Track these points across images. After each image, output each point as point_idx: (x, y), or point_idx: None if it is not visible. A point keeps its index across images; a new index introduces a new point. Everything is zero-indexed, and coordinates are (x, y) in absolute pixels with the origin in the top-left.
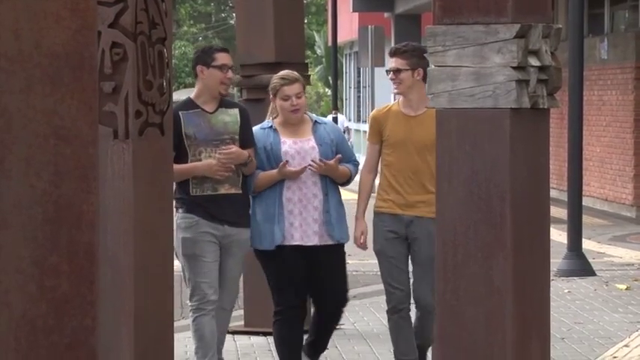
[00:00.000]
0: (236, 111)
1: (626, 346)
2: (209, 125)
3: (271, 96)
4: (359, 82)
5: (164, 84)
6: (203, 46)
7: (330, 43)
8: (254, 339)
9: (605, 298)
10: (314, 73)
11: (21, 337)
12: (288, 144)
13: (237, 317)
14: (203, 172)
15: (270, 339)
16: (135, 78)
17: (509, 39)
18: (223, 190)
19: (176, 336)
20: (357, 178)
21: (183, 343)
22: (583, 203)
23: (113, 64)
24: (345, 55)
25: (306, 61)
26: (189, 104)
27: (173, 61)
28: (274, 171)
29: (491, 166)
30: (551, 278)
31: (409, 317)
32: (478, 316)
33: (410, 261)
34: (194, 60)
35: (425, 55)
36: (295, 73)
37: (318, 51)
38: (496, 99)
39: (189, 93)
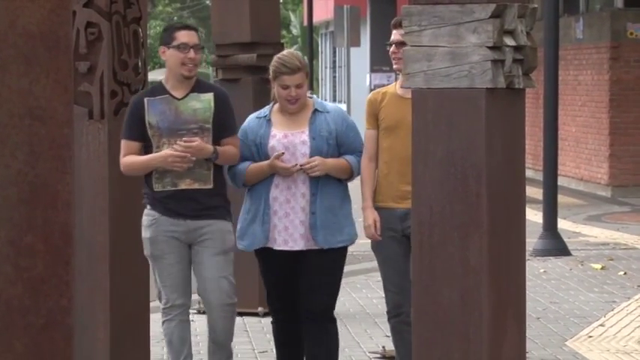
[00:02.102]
0: (210, 96)
1: (601, 325)
2: (175, 113)
3: (270, 77)
4: (334, 62)
5: (139, 64)
6: (166, 25)
7: (305, 23)
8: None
9: (581, 278)
10: None
11: None
12: (277, 138)
13: None
14: (159, 164)
15: (247, 319)
16: (110, 58)
17: (485, 19)
18: (184, 185)
19: (152, 316)
20: None
21: (159, 324)
22: (558, 183)
23: (88, 43)
24: (321, 34)
25: (281, 41)
26: (157, 89)
27: (148, 40)
28: (265, 163)
29: (467, 146)
30: (527, 258)
31: (410, 321)
32: (454, 296)
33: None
34: (159, 40)
35: None
36: (300, 59)
37: (294, 31)
38: (472, 79)
39: (164, 73)
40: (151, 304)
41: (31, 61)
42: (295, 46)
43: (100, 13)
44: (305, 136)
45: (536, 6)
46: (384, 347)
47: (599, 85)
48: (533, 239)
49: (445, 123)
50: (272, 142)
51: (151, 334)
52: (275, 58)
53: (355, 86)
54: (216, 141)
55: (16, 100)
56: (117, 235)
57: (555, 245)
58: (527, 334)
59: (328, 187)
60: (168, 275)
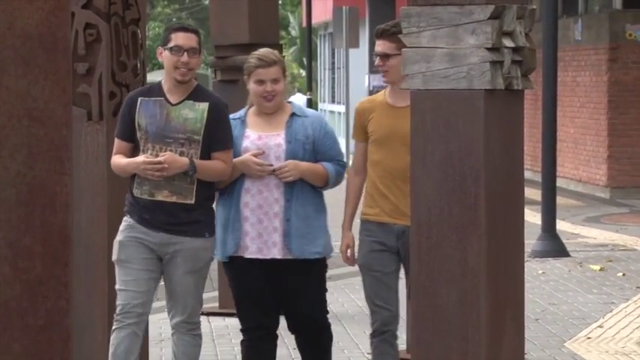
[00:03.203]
0: (205, 106)
1: (600, 326)
2: (166, 119)
3: (245, 77)
4: (333, 63)
5: (138, 65)
6: (167, 25)
7: (304, 24)
8: (228, 320)
9: (579, 279)
10: (288, 54)
11: None
12: (251, 139)
13: (212, 299)
14: (133, 170)
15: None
16: (109, 59)
17: (484, 20)
18: (161, 196)
19: (150, 317)
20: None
21: (158, 325)
22: (557, 184)
23: (87, 45)
24: (320, 36)
25: (280, 42)
26: (154, 90)
27: (147, 42)
28: (236, 160)
29: (466, 147)
30: (525, 259)
31: (394, 341)
32: (452, 297)
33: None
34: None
35: None
36: (275, 53)
37: (293, 32)
38: (470, 80)
39: (163, 74)
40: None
41: (29, 62)
42: (294, 47)
43: (98, 15)
44: (280, 139)
45: (534, 7)
46: None
47: (597, 87)
48: (531, 240)
49: (443, 124)
50: (245, 143)
51: (150, 335)
52: (249, 55)
53: (354, 87)
54: (207, 154)
55: (15, 102)
56: (115, 236)
57: (554, 246)
58: (525, 336)
59: (302, 193)
60: (133, 280)
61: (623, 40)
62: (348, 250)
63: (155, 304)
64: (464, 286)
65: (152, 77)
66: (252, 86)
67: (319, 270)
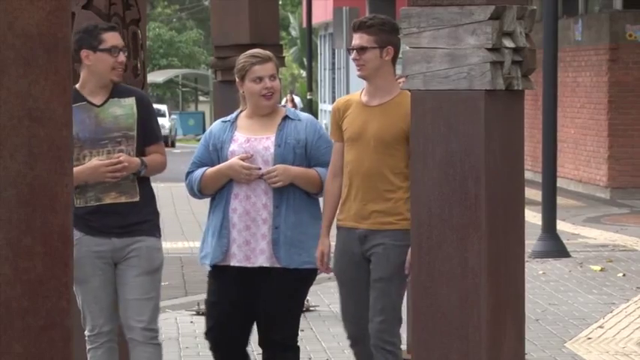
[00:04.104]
0: (131, 100)
1: (600, 327)
2: (96, 121)
3: (237, 80)
4: (334, 63)
5: (138, 65)
6: (85, 26)
7: (304, 25)
8: None
9: (580, 280)
10: (289, 54)
11: None
12: (238, 142)
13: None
14: (88, 177)
15: None
16: None
17: (484, 20)
18: (109, 199)
19: None
20: None
21: (159, 325)
22: (557, 185)
23: None
24: (320, 36)
25: (280, 43)
26: (73, 97)
27: (147, 42)
28: (224, 164)
29: (466, 148)
30: (526, 260)
31: (371, 352)
32: (453, 297)
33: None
34: (76, 42)
35: (396, 30)
36: (267, 51)
37: (293, 32)
38: (471, 80)
39: (164, 74)
40: None
41: (30, 62)
42: (294, 48)
43: (99, 15)
44: (269, 142)
45: (535, 7)
46: None
47: (598, 87)
48: (532, 241)
49: (444, 124)
50: (233, 146)
51: None
52: (239, 57)
53: (354, 88)
54: (141, 149)
55: (15, 102)
56: None
57: (554, 247)
58: (526, 336)
59: (294, 200)
60: (93, 299)
61: (624, 40)
62: (323, 258)
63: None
64: (464, 287)
65: (152, 77)
66: (248, 87)
67: (305, 282)
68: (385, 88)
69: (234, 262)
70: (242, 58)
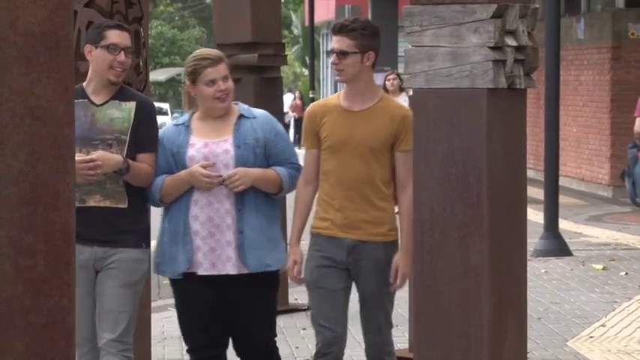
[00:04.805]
0: (132, 105)
1: (602, 325)
2: (91, 120)
3: (187, 83)
4: None
5: (141, 64)
6: (98, 22)
7: (307, 23)
8: None
9: (582, 278)
10: (291, 53)
11: None
12: (196, 147)
13: None
14: None
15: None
16: None
17: (486, 19)
18: (92, 202)
19: (153, 316)
20: None
21: (160, 324)
22: (559, 183)
23: None
24: (322, 34)
25: (283, 41)
26: (77, 93)
27: (149, 40)
28: (184, 172)
29: (468, 146)
30: (528, 258)
31: (340, 357)
32: (455, 296)
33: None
34: (85, 38)
35: (377, 34)
36: (218, 51)
37: (295, 31)
38: (473, 79)
39: (166, 73)
40: (152, 304)
41: (32, 61)
42: (297, 47)
43: (101, 13)
44: (228, 145)
45: (537, 6)
46: None
47: (600, 86)
48: (534, 239)
49: (446, 123)
50: (191, 152)
51: (152, 333)
52: (189, 59)
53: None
54: (132, 155)
55: (17, 100)
56: None
57: (556, 245)
58: (528, 335)
59: (256, 202)
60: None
61: (626, 38)
62: (295, 267)
63: (158, 303)
64: (466, 285)
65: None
66: (201, 89)
67: (272, 285)
68: (367, 93)
69: (200, 271)
70: (192, 61)
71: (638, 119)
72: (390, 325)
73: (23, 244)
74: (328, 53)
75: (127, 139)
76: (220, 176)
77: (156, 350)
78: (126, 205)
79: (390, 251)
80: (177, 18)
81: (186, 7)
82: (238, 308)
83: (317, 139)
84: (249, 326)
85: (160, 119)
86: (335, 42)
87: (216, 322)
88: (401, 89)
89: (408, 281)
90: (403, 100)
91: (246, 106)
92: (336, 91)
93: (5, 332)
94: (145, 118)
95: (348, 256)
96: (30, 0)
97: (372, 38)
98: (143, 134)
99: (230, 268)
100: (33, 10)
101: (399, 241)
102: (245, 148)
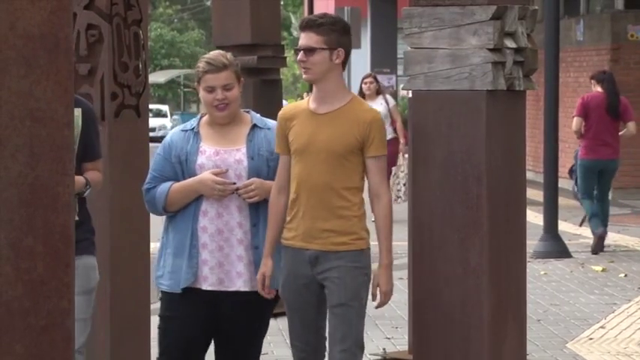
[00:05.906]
0: (78, 112)
1: (602, 327)
2: None
3: (196, 84)
4: None
5: (140, 66)
6: None
7: None
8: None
9: (581, 280)
10: (290, 54)
11: None
12: (207, 154)
13: None
14: None
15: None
16: (110, 60)
17: (486, 21)
18: None
19: (153, 317)
20: None
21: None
22: (559, 185)
23: (89, 45)
24: None
25: (282, 43)
26: None
27: (149, 43)
28: (194, 179)
29: (468, 148)
30: (527, 260)
31: None
32: (454, 298)
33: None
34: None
35: (347, 31)
36: (227, 57)
37: (295, 33)
38: (472, 81)
39: (165, 75)
40: (152, 306)
41: (31, 63)
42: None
43: (100, 15)
44: (241, 155)
45: (536, 8)
46: (384, 349)
47: None
48: (533, 241)
49: (445, 125)
50: (201, 159)
51: (152, 335)
52: (200, 59)
53: (356, 88)
54: (78, 164)
55: (17, 102)
56: (117, 236)
57: (556, 247)
58: (527, 336)
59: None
60: None
61: (625, 40)
62: (264, 280)
63: (157, 304)
64: (466, 287)
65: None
66: (202, 94)
67: (275, 304)
68: (335, 94)
69: (205, 286)
70: (199, 62)
71: (575, 118)
72: (357, 344)
73: (22, 246)
74: (296, 52)
75: (76, 149)
76: (234, 184)
77: (155, 351)
78: (78, 218)
79: (355, 262)
80: (176, 20)
81: (186, 9)
82: (238, 326)
83: (287, 144)
84: (244, 344)
85: (159, 121)
86: (302, 38)
87: (200, 342)
88: (377, 92)
89: (407, 282)
90: (379, 104)
91: (258, 116)
92: None
93: (4, 334)
94: (92, 125)
95: (312, 268)
96: (29, 2)
97: (341, 34)
98: (91, 141)
99: (241, 284)
100: (32, 13)
101: (379, 253)
102: (259, 160)
